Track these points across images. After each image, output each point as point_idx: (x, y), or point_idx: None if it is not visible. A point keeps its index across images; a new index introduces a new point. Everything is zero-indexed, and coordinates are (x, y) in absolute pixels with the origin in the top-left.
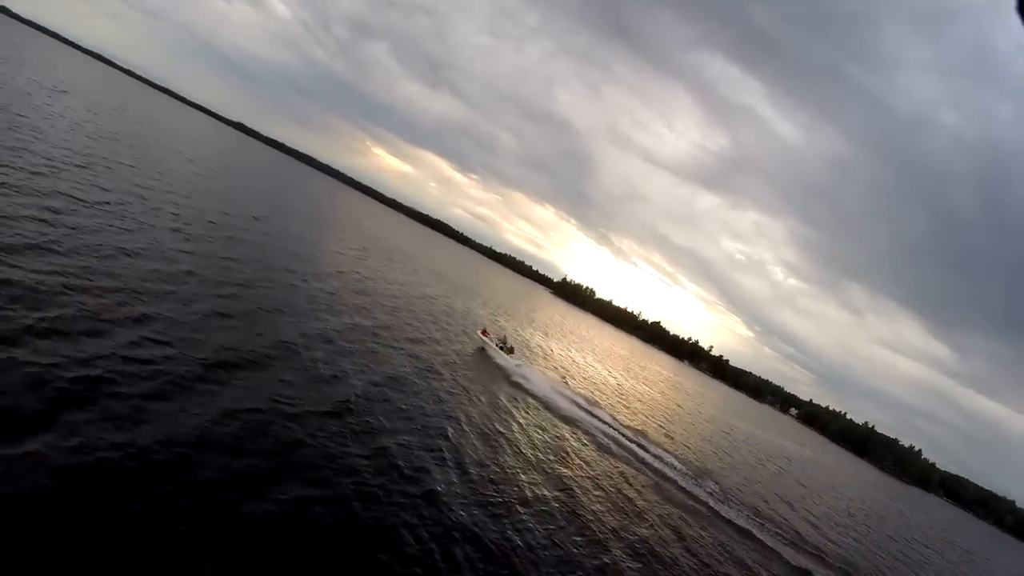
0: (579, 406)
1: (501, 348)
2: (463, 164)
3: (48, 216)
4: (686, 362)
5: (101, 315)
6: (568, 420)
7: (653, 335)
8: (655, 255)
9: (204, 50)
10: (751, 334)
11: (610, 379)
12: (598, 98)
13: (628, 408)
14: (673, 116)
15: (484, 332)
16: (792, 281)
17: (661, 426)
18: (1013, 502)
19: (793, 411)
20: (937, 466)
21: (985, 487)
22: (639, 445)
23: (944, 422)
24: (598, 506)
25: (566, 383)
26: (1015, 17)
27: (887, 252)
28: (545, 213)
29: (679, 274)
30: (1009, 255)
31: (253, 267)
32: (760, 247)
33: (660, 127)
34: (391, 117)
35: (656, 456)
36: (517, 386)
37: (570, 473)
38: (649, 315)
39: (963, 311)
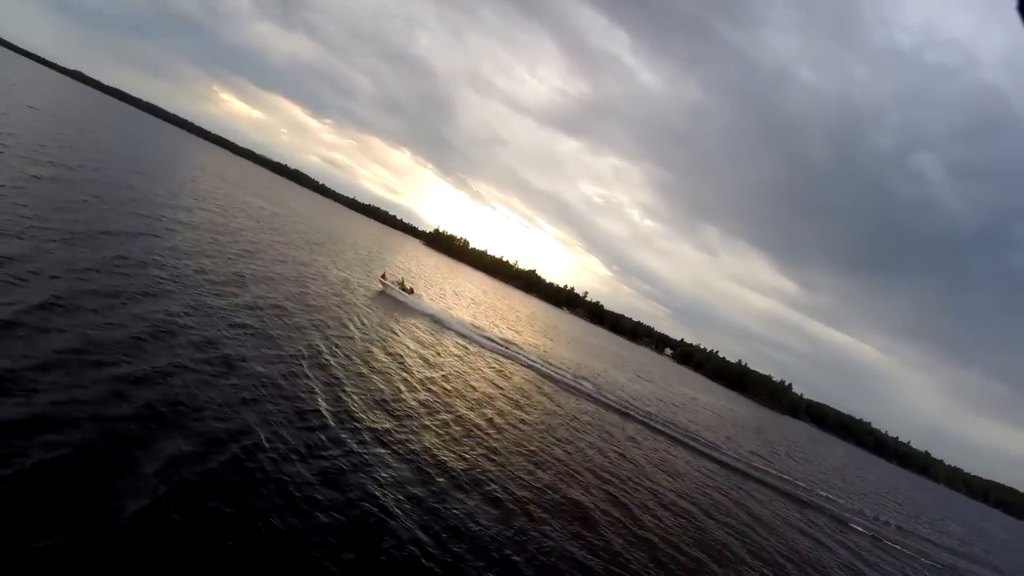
0: (489, 337)
1: (402, 289)
2: (316, 109)
3: None
4: (565, 309)
5: None
6: (480, 343)
7: (530, 283)
8: (514, 199)
9: None
10: (610, 273)
11: (502, 313)
12: (461, 41)
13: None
14: (536, 62)
15: (383, 276)
16: (649, 222)
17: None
18: (869, 423)
19: (668, 351)
20: (804, 396)
21: (836, 409)
22: (544, 362)
23: (795, 351)
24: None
25: (474, 321)
26: (1015, 17)
27: (741, 196)
28: (402, 158)
29: (538, 217)
30: (855, 200)
31: (103, 245)
32: (618, 190)
33: (523, 72)
34: (241, 60)
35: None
36: (427, 317)
37: (489, 385)
38: (511, 257)
39: (810, 251)
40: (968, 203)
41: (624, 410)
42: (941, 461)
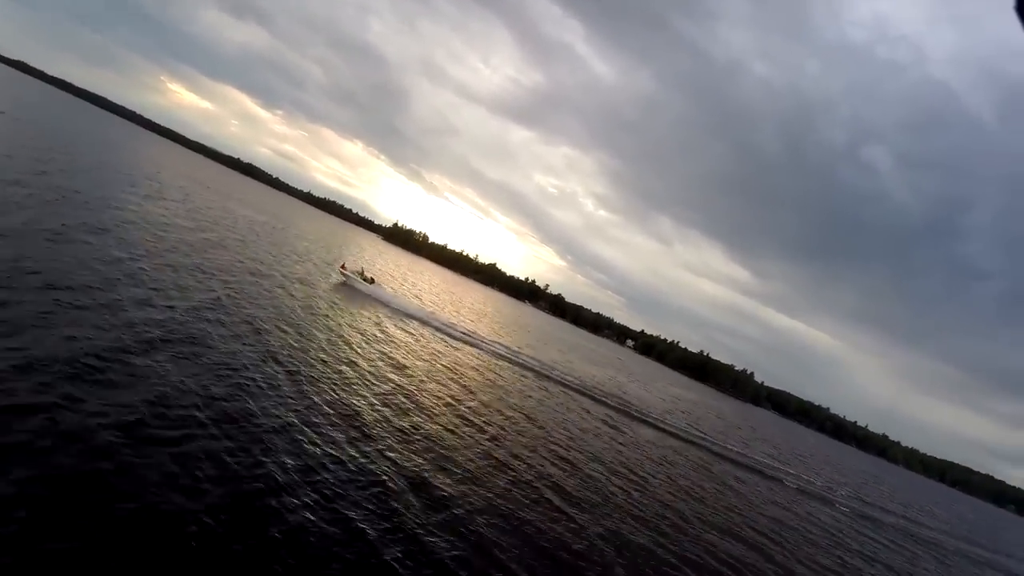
0: (455, 327)
1: (362, 279)
2: (267, 99)
3: None
4: (527, 302)
5: None
6: (438, 328)
7: (491, 277)
8: (468, 190)
9: None
10: (564, 263)
11: (468, 306)
12: (413, 29)
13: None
14: (490, 51)
15: (343, 267)
16: (603, 212)
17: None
18: (828, 409)
19: (630, 342)
20: (765, 384)
21: (796, 395)
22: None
23: (749, 338)
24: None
25: (433, 310)
26: (1015, 17)
27: (694, 186)
28: (354, 149)
29: (492, 208)
30: (806, 190)
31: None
32: (572, 181)
33: (476, 61)
34: (190, 49)
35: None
36: (388, 307)
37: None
38: (469, 251)
39: (762, 240)
40: (916, 194)
41: (657, 424)
42: (898, 443)
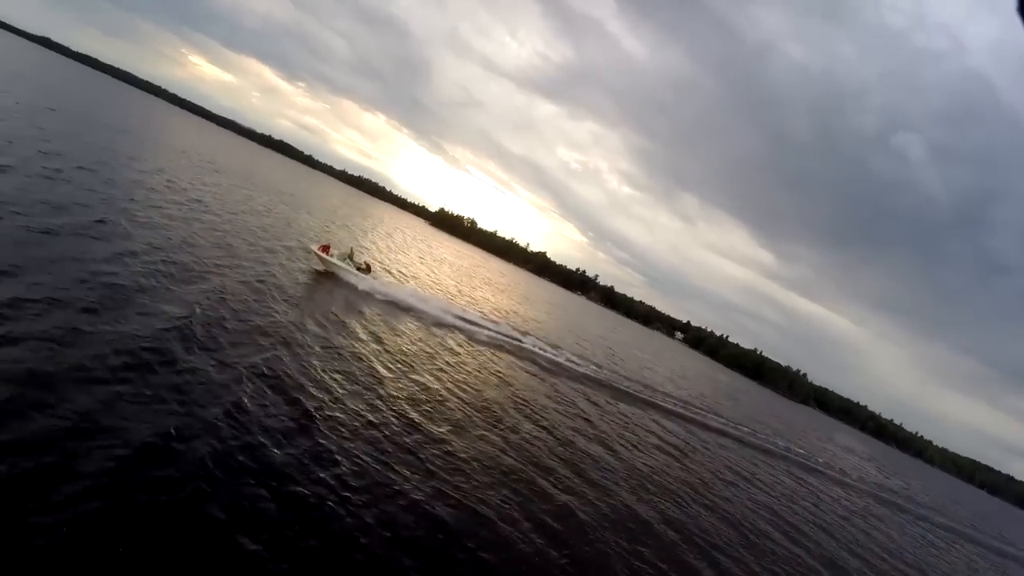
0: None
1: (355, 267)
2: (289, 71)
3: None
4: (579, 293)
5: None
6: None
7: (542, 267)
8: (489, 163)
9: None
10: (585, 240)
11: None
12: (439, 1)
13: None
14: (518, 24)
15: (323, 248)
16: (626, 189)
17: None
18: (866, 407)
19: (679, 335)
20: (814, 383)
21: (831, 390)
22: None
23: (768, 320)
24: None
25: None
26: (1015, 17)
27: (721, 167)
28: (376, 121)
29: (514, 182)
30: (835, 177)
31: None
32: (596, 156)
33: (503, 35)
34: (210, 21)
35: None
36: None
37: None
38: (484, 223)
39: (788, 223)
40: (947, 185)
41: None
42: (931, 442)
